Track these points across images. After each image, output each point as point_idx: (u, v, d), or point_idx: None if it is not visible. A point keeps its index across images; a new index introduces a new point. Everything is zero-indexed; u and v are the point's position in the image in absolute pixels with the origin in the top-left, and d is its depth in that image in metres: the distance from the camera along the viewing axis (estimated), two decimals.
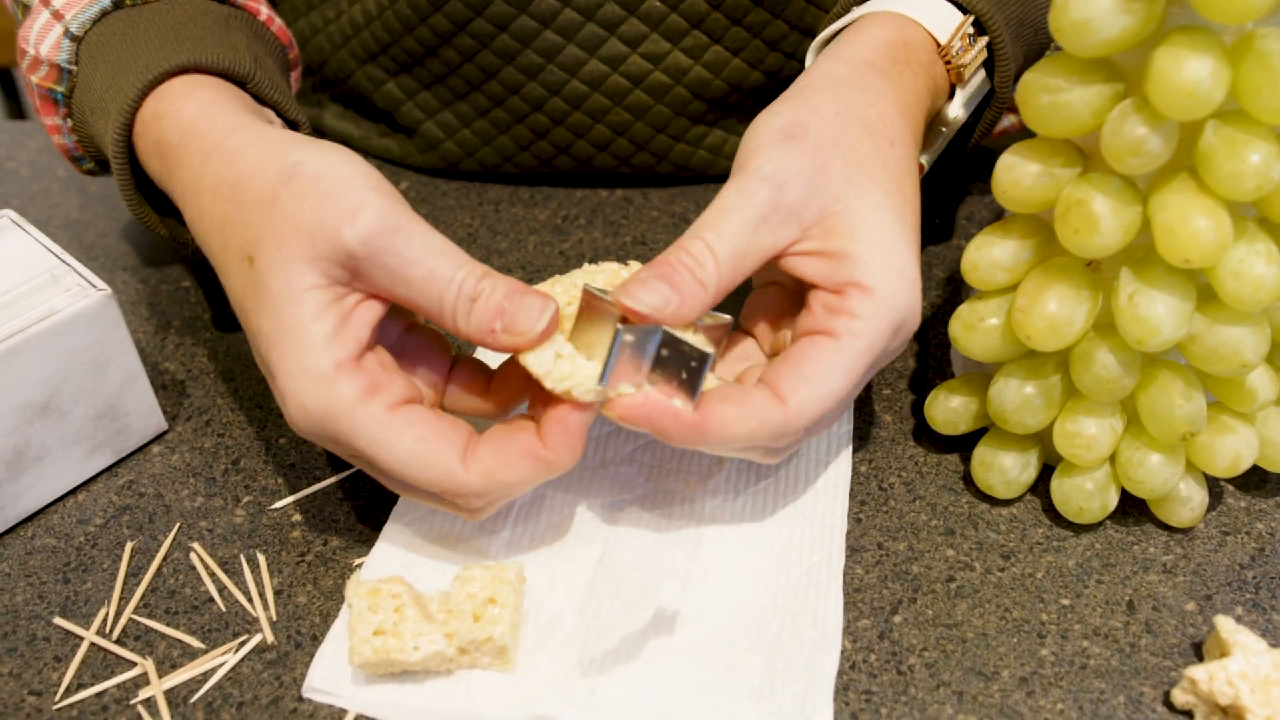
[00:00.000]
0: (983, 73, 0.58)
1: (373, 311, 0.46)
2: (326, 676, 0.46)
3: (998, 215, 0.71)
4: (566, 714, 0.45)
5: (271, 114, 0.55)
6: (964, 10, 0.56)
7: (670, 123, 0.70)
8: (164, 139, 0.51)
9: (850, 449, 0.56)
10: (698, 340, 0.46)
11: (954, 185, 0.74)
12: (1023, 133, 0.69)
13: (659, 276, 0.45)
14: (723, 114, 0.71)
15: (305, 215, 0.45)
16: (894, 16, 0.55)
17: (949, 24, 0.55)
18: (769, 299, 0.52)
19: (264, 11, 0.61)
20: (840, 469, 0.55)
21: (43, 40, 0.56)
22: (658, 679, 0.46)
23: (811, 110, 0.49)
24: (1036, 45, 0.61)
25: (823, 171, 0.47)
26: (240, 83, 0.54)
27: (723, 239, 0.46)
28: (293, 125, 0.57)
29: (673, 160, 0.72)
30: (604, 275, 0.48)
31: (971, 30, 0.56)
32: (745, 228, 0.46)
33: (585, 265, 0.49)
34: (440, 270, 0.45)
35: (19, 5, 0.60)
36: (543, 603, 0.49)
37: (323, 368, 0.44)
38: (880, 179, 0.48)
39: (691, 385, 0.45)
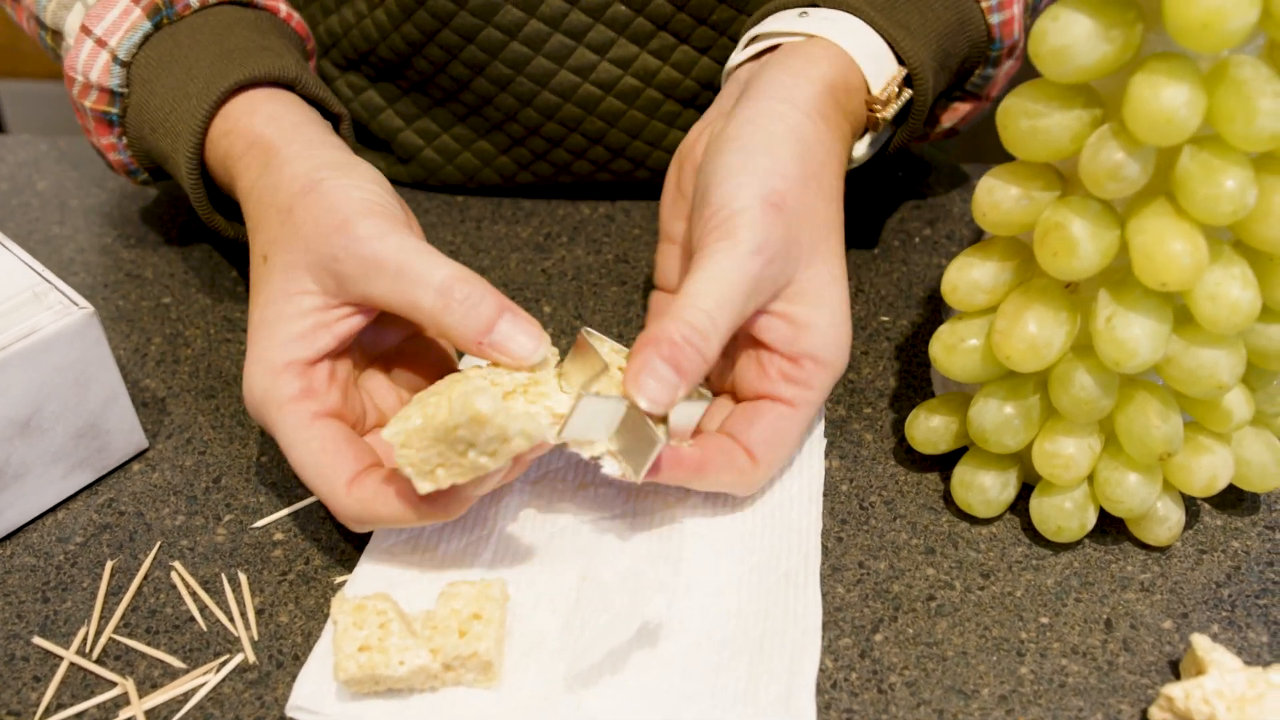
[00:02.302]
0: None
1: (351, 324, 0.51)
2: (311, 696, 0.46)
3: (978, 236, 0.71)
4: None
5: (317, 115, 0.59)
6: (890, 45, 0.57)
7: (645, 127, 0.71)
8: (231, 152, 0.56)
9: (823, 453, 0.57)
10: (661, 427, 0.48)
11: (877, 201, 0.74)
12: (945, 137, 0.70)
13: (665, 360, 0.47)
14: (696, 115, 0.71)
15: (308, 225, 0.50)
16: (835, 51, 0.56)
17: (878, 61, 0.57)
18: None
19: (283, 9, 0.65)
20: (814, 473, 0.56)
21: (91, 68, 0.59)
22: (642, 691, 0.47)
23: (785, 178, 0.51)
24: (949, 75, 0.62)
25: (796, 243, 0.51)
26: (288, 86, 0.59)
27: (723, 311, 0.49)
28: (334, 118, 0.62)
29: (650, 166, 0.72)
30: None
31: (900, 81, 0.57)
32: (739, 300, 0.49)
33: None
34: (413, 268, 0.48)
35: (47, 30, 0.62)
36: (527, 620, 0.49)
37: (275, 362, 0.49)
38: (833, 244, 0.53)
39: (642, 459, 0.48)
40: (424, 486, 0.45)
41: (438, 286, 0.48)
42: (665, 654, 0.48)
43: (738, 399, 0.54)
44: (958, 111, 0.68)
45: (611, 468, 0.48)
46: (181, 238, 0.72)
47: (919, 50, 0.57)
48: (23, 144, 0.80)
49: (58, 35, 0.62)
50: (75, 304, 0.52)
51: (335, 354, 0.51)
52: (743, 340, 0.54)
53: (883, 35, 0.57)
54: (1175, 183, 0.44)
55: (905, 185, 0.76)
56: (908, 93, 0.58)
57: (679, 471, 0.50)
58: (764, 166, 0.51)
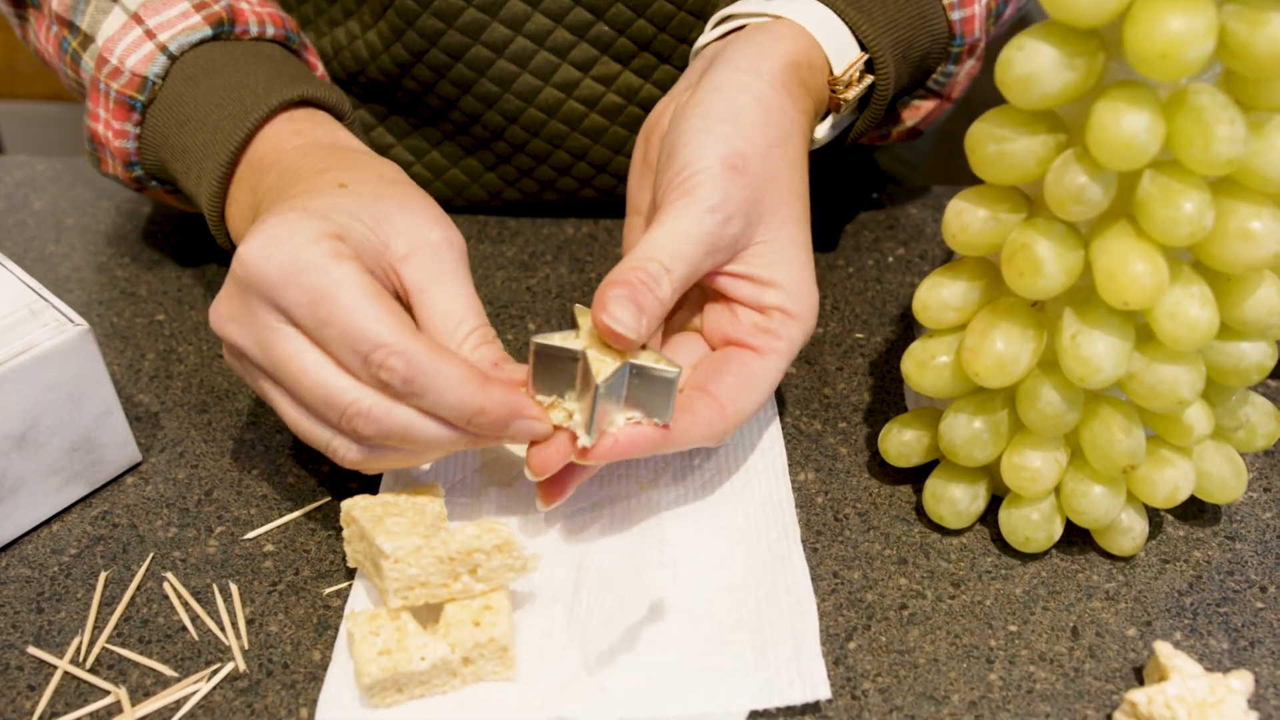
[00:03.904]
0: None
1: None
2: (336, 716, 0.47)
3: (949, 256, 0.73)
4: (579, 712, 0.47)
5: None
6: (853, 31, 0.59)
7: (626, 142, 0.72)
8: (289, 147, 0.57)
9: (779, 431, 0.60)
10: (663, 364, 0.49)
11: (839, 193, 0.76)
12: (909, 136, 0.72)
13: (627, 297, 0.48)
14: None
15: (337, 195, 0.51)
16: (799, 31, 0.57)
17: (841, 44, 0.58)
18: None
19: (320, 68, 0.67)
20: (774, 453, 0.58)
21: (131, 53, 0.60)
22: (659, 666, 0.48)
23: (749, 141, 0.52)
24: (912, 67, 0.64)
25: (756, 205, 0.52)
26: (339, 118, 0.61)
27: (678, 263, 0.50)
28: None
29: None
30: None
31: (861, 66, 0.59)
32: (696, 255, 0.51)
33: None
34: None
35: (76, 34, 0.63)
36: (532, 616, 0.51)
37: (310, 230, 0.47)
38: (795, 209, 0.54)
39: (663, 405, 0.49)
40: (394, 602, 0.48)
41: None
42: (670, 631, 0.50)
43: (712, 349, 0.55)
44: (919, 110, 0.69)
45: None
46: (175, 256, 0.73)
47: (880, 37, 0.59)
48: (20, 164, 0.81)
49: (87, 39, 0.62)
50: (71, 321, 0.53)
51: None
52: (712, 296, 0.55)
53: (845, 20, 0.59)
54: (1136, 205, 0.45)
55: (881, 206, 0.78)
56: (869, 79, 0.60)
57: (647, 444, 0.49)
58: (728, 131, 0.52)
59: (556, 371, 0.49)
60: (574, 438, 0.49)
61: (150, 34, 0.60)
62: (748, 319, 0.53)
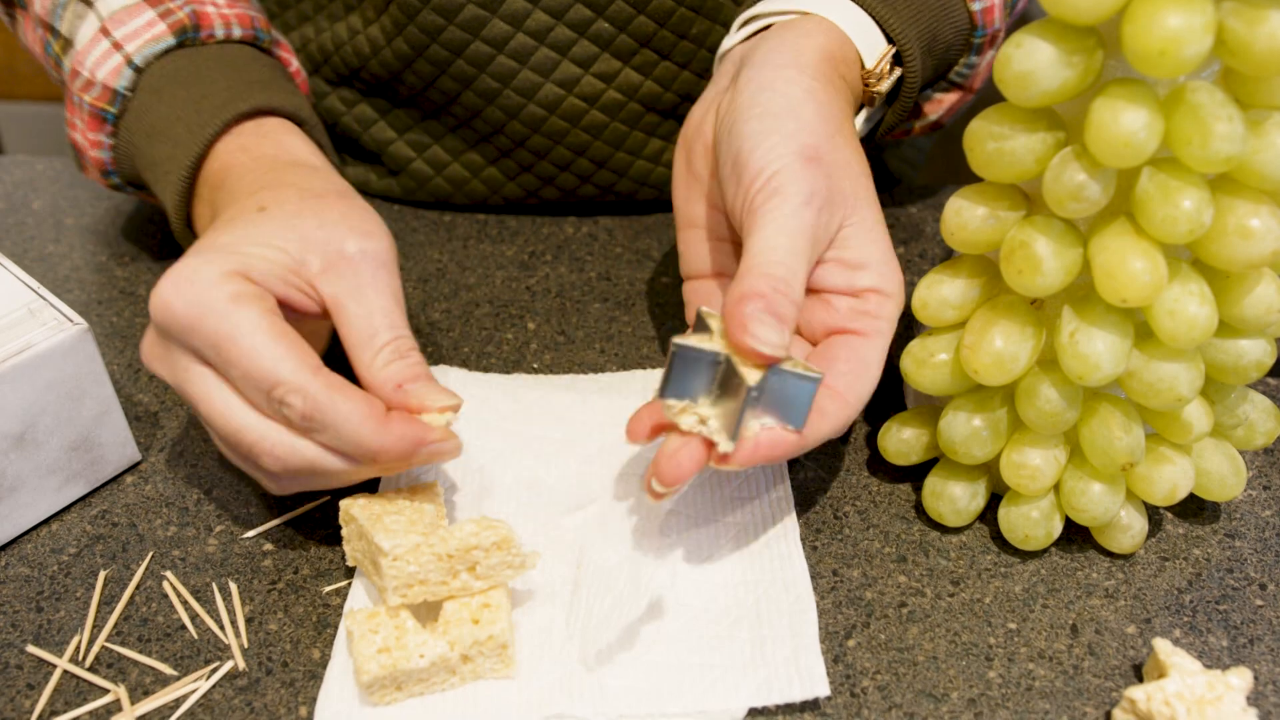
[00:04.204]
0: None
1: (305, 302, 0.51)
2: (335, 714, 0.47)
3: (948, 255, 0.73)
4: (578, 709, 0.47)
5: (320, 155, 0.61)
6: (879, 24, 0.58)
7: (626, 139, 0.72)
8: (234, 164, 0.58)
9: None
10: (803, 370, 0.47)
11: None
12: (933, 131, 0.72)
13: (765, 309, 0.47)
14: (677, 125, 0.73)
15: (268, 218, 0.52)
16: (829, 25, 0.57)
17: (869, 38, 0.58)
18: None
19: (293, 64, 0.67)
20: None
21: (100, 66, 0.61)
22: (658, 665, 0.48)
23: (814, 133, 0.52)
24: (936, 60, 0.64)
25: (838, 192, 0.51)
26: (299, 124, 0.62)
27: (798, 260, 0.49)
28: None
29: (633, 176, 0.74)
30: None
31: (890, 59, 0.59)
32: (807, 249, 0.50)
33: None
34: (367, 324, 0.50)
35: (57, 38, 0.64)
36: (531, 616, 0.51)
37: (219, 267, 0.48)
38: (870, 190, 0.54)
39: (800, 410, 0.48)
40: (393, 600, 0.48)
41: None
42: (668, 630, 0.50)
43: (812, 344, 0.54)
44: (942, 103, 0.69)
45: (725, 444, 0.47)
46: (174, 256, 0.73)
47: (907, 29, 0.59)
48: (19, 164, 0.81)
49: (68, 43, 0.63)
50: (70, 320, 0.53)
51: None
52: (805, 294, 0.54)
53: (872, 14, 0.58)
54: (1135, 203, 0.45)
55: (880, 205, 0.77)
56: (898, 71, 0.59)
57: (786, 448, 0.48)
58: (792, 127, 0.52)
59: (693, 375, 0.48)
60: (708, 444, 0.48)
61: (118, 45, 0.61)
62: (844, 305, 0.52)
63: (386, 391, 0.49)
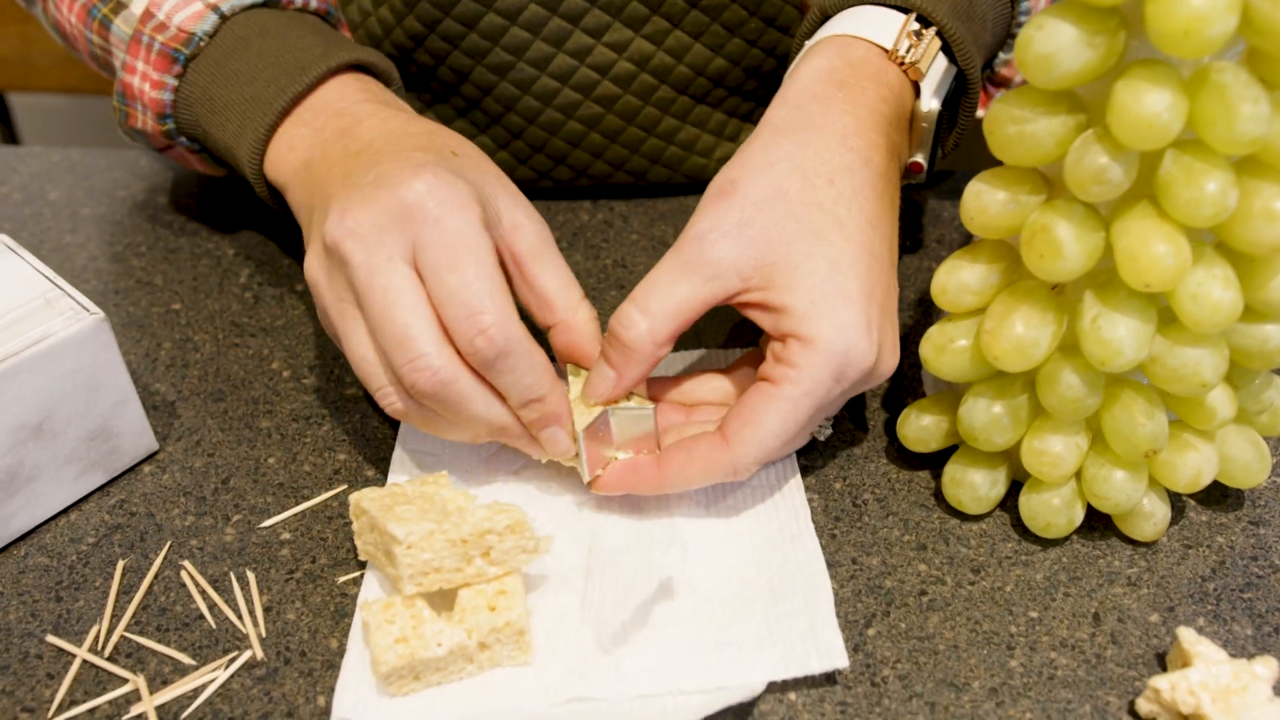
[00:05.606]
0: (944, 60, 0.59)
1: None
2: (353, 706, 0.47)
3: (967, 239, 0.72)
4: (595, 692, 0.47)
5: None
6: (901, 10, 0.58)
7: (639, 113, 0.72)
8: (364, 100, 0.59)
9: None
10: (636, 405, 0.54)
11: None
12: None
13: (602, 358, 0.53)
14: (691, 106, 0.73)
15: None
16: (833, 41, 0.57)
17: (889, 28, 0.57)
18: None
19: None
20: None
21: (179, 10, 0.63)
22: (674, 644, 0.48)
23: (745, 166, 0.52)
24: (991, 30, 0.62)
25: (750, 224, 0.51)
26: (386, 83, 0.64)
27: (653, 299, 0.51)
28: None
29: (645, 154, 0.74)
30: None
31: (917, 26, 0.57)
32: (672, 282, 0.51)
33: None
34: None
35: (108, 2, 0.65)
36: (546, 602, 0.51)
37: (472, 193, 0.51)
38: (816, 223, 0.51)
39: (650, 441, 0.54)
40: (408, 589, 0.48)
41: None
42: (682, 610, 0.50)
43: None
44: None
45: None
46: (191, 246, 0.73)
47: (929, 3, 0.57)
48: (35, 155, 0.82)
49: (120, 5, 0.64)
50: (87, 310, 0.53)
51: None
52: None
53: (889, 4, 0.58)
54: (1158, 186, 0.45)
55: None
56: (931, 31, 0.57)
57: (639, 478, 0.53)
58: (730, 165, 0.53)
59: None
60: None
61: None
62: (770, 351, 0.52)
63: (588, 333, 0.54)
